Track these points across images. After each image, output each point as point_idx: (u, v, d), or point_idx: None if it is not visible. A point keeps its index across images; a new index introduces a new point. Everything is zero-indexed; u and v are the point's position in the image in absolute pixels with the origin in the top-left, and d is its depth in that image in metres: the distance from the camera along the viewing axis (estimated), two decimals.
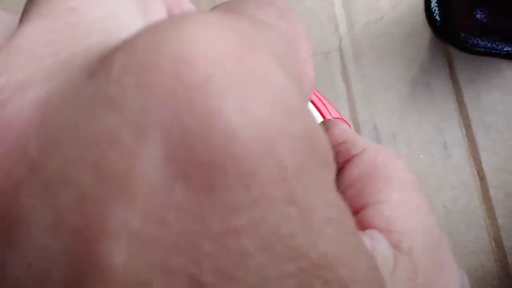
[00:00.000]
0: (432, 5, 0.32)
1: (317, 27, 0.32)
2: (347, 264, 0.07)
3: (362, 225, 0.12)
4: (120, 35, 0.09)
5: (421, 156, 0.29)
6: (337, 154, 0.14)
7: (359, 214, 0.12)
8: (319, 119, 0.20)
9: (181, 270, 0.07)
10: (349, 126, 0.21)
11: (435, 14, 0.32)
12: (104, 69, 0.07)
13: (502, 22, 0.30)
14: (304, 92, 0.10)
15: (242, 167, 0.07)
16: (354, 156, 0.13)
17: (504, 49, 0.30)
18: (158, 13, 0.12)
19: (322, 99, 0.21)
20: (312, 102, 0.20)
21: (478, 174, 0.29)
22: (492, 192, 0.28)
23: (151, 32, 0.08)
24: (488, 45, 0.31)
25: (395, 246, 0.11)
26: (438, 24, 0.31)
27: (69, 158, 0.07)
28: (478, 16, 0.30)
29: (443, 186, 0.28)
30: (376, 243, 0.11)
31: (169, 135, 0.07)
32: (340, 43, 0.31)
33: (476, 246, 0.27)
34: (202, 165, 0.07)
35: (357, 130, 0.30)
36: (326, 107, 0.21)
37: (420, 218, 0.12)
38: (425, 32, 0.32)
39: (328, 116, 0.20)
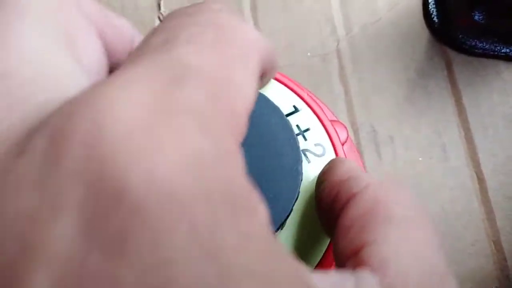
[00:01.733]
0: (429, 6, 0.32)
1: (314, 30, 0.32)
2: None
3: (360, 265, 0.12)
4: (52, 92, 0.10)
5: (420, 159, 0.29)
6: (340, 192, 0.14)
7: (358, 254, 0.12)
8: (316, 123, 0.20)
9: None
10: (346, 128, 0.21)
11: (433, 16, 0.32)
12: (28, 151, 0.08)
13: (500, 23, 0.30)
14: (229, 138, 0.09)
15: (153, 231, 0.07)
16: (356, 194, 0.13)
17: (502, 50, 0.30)
18: (88, 45, 0.12)
19: (319, 103, 0.21)
20: (308, 105, 0.20)
21: (477, 176, 0.29)
22: (491, 194, 0.28)
23: (65, 111, 0.08)
24: (486, 46, 0.31)
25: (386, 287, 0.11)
26: (436, 25, 0.31)
27: None
28: (476, 17, 0.30)
29: (442, 189, 0.28)
30: (362, 283, 0.11)
31: (82, 209, 0.08)
32: (337, 45, 0.31)
33: (475, 248, 0.27)
34: (115, 233, 0.07)
35: (355, 133, 0.30)
36: (323, 110, 0.20)
37: (419, 258, 0.12)
38: (423, 34, 0.31)
39: (324, 119, 0.20)
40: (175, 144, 0.08)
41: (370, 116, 0.30)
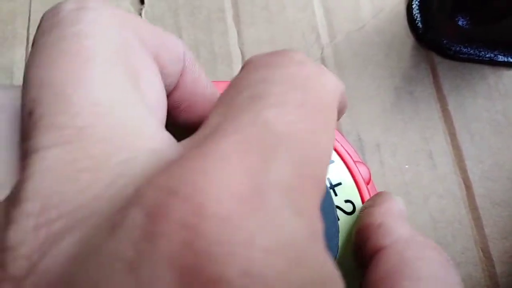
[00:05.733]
0: (414, 12, 0.32)
1: (298, 38, 0.31)
2: None
3: None
4: (130, 150, 0.10)
5: (407, 166, 0.29)
6: (370, 240, 0.14)
7: None
8: (348, 178, 0.19)
9: None
10: (369, 170, 0.20)
11: (417, 22, 0.31)
12: (123, 227, 0.08)
13: (484, 29, 0.30)
14: (316, 212, 0.09)
15: None
16: (384, 247, 0.13)
17: (487, 55, 0.30)
18: (150, 79, 0.12)
19: (350, 152, 0.20)
20: (341, 157, 0.20)
21: (464, 183, 0.28)
22: (478, 200, 0.28)
23: (162, 186, 0.08)
24: (471, 51, 0.30)
25: None
26: (420, 31, 0.31)
27: None
28: (460, 22, 0.30)
29: (430, 196, 0.28)
30: None
31: None
32: (322, 53, 0.31)
33: (464, 256, 0.27)
34: None
35: None
36: (353, 160, 0.20)
37: None
38: (408, 40, 0.31)
39: (356, 174, 0.19)
40: (271, 231, 0.08)
41: (356, 124, 0.30)
